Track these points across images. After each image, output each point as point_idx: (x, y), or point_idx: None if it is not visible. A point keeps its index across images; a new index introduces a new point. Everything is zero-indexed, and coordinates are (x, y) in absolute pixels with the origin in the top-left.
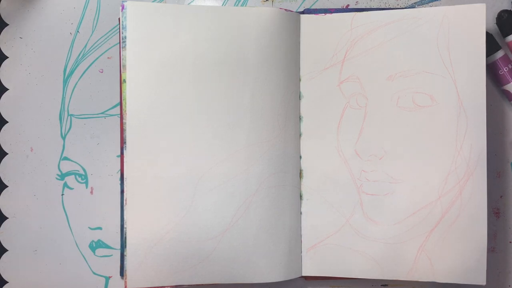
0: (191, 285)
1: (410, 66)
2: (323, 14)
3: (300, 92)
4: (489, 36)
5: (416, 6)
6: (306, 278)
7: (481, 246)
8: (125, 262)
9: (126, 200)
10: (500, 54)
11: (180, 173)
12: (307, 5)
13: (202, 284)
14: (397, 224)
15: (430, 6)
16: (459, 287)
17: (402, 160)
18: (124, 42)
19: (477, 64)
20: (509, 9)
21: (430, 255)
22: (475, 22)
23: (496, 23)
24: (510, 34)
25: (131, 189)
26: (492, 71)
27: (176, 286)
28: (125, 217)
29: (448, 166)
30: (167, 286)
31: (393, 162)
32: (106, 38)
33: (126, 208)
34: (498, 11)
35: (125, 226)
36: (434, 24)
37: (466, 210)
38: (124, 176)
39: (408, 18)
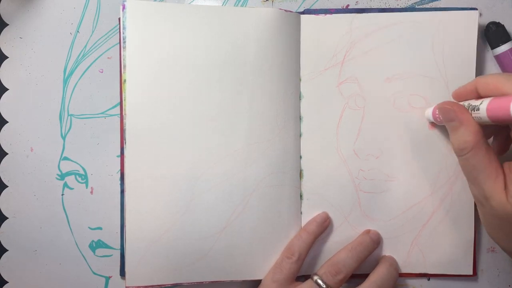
0: (190, 283)
1: (407, 68)
2: (323, 15)
3: (300, 92)
4: (499, 27)
5: (416, 6)
6: (305, 276)
7: (469, 238)
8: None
9: (126, 200)
10: (509, 45)
11: (179, 173)
12: (307, 5)
13: (201, 282)
14: (392, 220)
15: (430, 6)
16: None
17: (397, 159)
18: (124, 42)
19: (467, 69)
20: (497, 21)
21: (422, 248)
22: (468, 28)
23: (485, 35)
24: (498, 46)
25: (131, 189)
26: (501, 62)
27: (175, 284)
28: (125, 216)
29: (439, 164)
30: (166, 284)
31: (388, 161)
32: (106, 38)
33: (126, 207)
34: (498, 11)
35: (124, 225)
36: (430, 29)
37: (456, 205)
38: (124, 176)
39: (407, 21)
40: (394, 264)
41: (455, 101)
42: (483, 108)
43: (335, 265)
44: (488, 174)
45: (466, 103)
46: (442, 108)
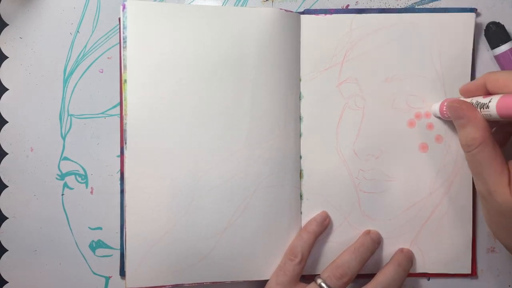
0: (191, 284)
1: (406, 69)
2: (323, 15)
3: (300, 92)
4: (499, 27)
5: (416, 6)
6: (305, 276)
7: (467, 238)
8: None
9: (126, 200)
10: (509, 45)
11: (179, 173)
12: (307, 5)
13: (202, 283)
14: (392, 219)
15: (430, 6)
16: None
17: (396, 159)
18: (125, 42)
19: (463, 70)
20: (497, 21)
21: (421, 248)
22: (465, 30)
23: (485, 35)
24: (498, 46)
25: (131, 189)
26: (501, 62)
27: (175, 285)
28: (125, 217)
29: (438, 164)
30: (167, 285)
31: (388, 161)
32: (106, 38)
33: (126, 208)
34: (498, 11)
35: (125, 226)
36: (428, 30)
37: (454, 204)
38: (124, 176)
39: (406, 22)
40: (402, 264)
41: (463, 98)
42: (492, 106)
43: (340, 267)
44: (493, 169)
45: (474, 100)
46: (451, 106)
